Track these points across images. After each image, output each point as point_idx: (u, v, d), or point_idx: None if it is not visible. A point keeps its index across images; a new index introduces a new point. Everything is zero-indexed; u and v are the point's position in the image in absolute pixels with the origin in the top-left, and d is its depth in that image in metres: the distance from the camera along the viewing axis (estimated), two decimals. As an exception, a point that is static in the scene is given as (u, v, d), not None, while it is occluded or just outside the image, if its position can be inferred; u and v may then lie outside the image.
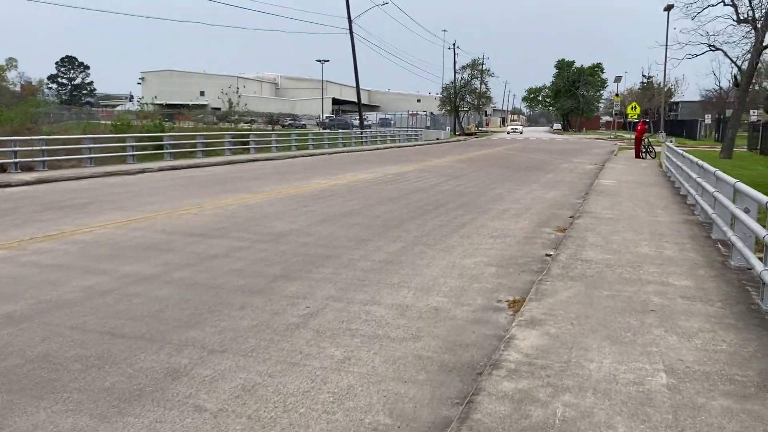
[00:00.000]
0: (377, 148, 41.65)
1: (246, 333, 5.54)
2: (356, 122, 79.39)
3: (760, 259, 6.65)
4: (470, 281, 7.51)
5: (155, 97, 71.94)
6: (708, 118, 68.73)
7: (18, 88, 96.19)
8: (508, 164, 27.98)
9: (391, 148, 43.71)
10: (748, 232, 7.61)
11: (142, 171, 20.68)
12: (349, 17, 50.25)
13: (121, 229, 10.34)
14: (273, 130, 50.78)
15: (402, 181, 19.12)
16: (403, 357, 5.08)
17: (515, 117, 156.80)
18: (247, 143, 30.87)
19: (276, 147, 32.73)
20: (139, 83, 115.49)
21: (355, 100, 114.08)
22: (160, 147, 25.26)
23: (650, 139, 35.01)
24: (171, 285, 7.03)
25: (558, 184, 19.47)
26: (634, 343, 5.12)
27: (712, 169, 10.29)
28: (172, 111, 71.72)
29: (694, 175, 12.96)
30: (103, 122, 51.51)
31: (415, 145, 48.31)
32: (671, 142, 24.48)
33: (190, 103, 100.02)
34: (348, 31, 50.41)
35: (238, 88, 56.36)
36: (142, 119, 41.39)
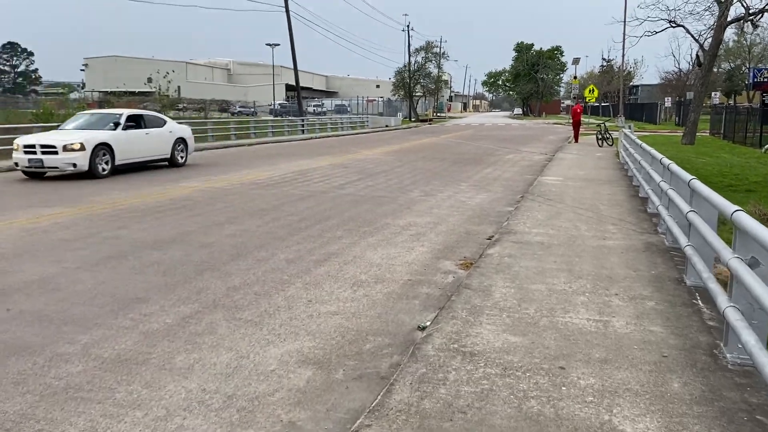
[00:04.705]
0: (311, 138, 37.74)
1: None
2: (311, 109, 75.16)
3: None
4: (238, 421, 3.83)
5: (88, 88, 66.82)
6: (668, 101, 66.26)
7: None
8: (445, 156, 24.37)
9: (330, 137, 39.82)
10: (757, 304, 4.10)
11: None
12: (284, -6, 45.99)
13: None
14: (207, 118, 46.29)
15: (300, 182, 15.35)
16: None
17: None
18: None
19: (187, 138, 28.57)
20: (82, 70, 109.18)
21: (313, 86, 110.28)
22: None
23: (607, 124, 31.82)
24: None
25: (492, 182, 15.90)
26: None
27: (686, 176, 6.75)
28: (115, 99, 66.67)
29: (657, 178, 9.47)
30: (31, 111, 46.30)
31: (357, 134, 44.43)
32: (629, 128, 21.14)
33: (137, 90, 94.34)
34: (284, 9, 46.20)
35: (167, 72, 51.55)
36: (81, 108, 36.24)
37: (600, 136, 29.57)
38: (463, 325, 5.16)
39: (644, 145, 12.62)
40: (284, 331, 5.29)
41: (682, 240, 6.65)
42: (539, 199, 12.20)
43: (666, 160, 8.72)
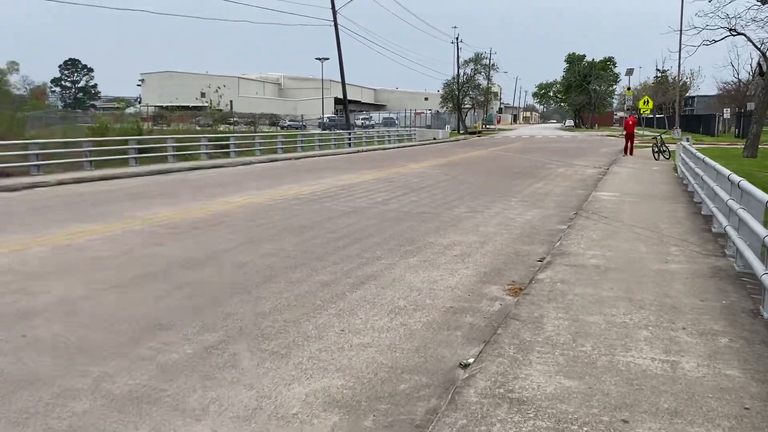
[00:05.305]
0: (358, 151, 37.47)
1: None
2: (359, 122, 75.20)
3: None
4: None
5: (144, 103, 68.38)
6: (727, 113, 63.81)
7: (22, 92, 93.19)
8: (494, 169, 23.70)
9: (376, 150, 39.47)
10: None
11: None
12: (333, 7, 46.10)
13: None
14: (256, 131, 46.56)
15: (343, 197, 14.96)
16: None
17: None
18: (198, 147, 26.82)
19: (235, 152, 28.68)
20: (138, 85, 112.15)
21: (361, 99, 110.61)
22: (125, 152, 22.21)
23: (664, 137, 30.60)
24: None
25: (544, 197, 15.22)
26: None
27: (762, 196, 6.05)
28: (169, 113, 68.05)
29: (724, 196, 8.71)
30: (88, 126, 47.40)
31: (403, 147, 44.02)
32: (687, 141, 20.14)
33: (190, 105, 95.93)
34: (332, 23, 46.29)
35: (218, 87, 52.15)
36: (136, 123, 36.72)
37: (657, 149, 28.45)
38: (510, 365, 4.60)
39: (707, 159, 11.80)
40: (311, 366, 4.83)
41: (758, 267, 5.95)
42: (594, 216, 11.50)
43: (735, 177, 7.98)
